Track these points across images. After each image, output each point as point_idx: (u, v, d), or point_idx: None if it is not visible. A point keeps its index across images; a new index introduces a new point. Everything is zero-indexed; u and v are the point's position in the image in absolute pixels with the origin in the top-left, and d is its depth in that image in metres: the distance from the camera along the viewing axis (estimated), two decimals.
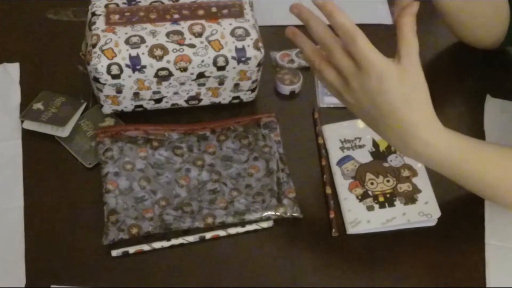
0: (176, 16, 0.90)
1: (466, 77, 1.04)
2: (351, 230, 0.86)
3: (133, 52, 0.87)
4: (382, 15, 1.10)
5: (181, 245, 0.84)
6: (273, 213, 0.86)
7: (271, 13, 1.09)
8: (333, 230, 0.86)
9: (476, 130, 0.96)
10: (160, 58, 0.88)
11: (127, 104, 0.93)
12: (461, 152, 0.77)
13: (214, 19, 0.91)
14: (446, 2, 0.92)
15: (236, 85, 0.94)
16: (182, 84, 0.91)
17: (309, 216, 0.88)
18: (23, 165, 0.91)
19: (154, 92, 0.92)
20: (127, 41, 0.88)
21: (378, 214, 0.87)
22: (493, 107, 0.99)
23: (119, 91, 0.90)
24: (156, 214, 0.86)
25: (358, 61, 0.72)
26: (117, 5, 0.91)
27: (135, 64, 0.87)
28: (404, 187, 0.89)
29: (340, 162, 0.92)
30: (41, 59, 1.03)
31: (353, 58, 0.73)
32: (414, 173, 0.90)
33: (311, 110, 0.98)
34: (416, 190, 0.89)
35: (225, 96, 0.95)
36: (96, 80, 0.89)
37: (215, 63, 0.89)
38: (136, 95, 0.92)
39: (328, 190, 0.90)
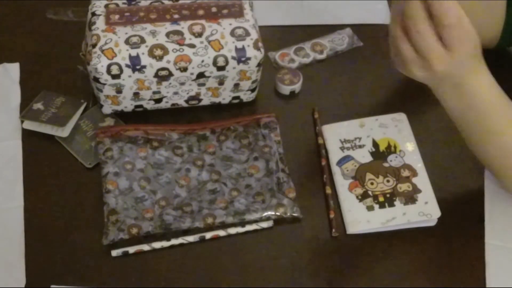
0: (176, 16, 0.90)
1: None
2: (351, 230, 0.86)
3: (133, 52, 0.87)
4: (381, 15, 1.10)
5: (181, 245, 0.84)
6: (273, 213, 0.86)
7: (271, 13, 1.09)
8: (333, 230, 0.86)
9: None
10: (160, 58, 0.88)
11: (127, 104, 0.93)
12: (500, 91, 0.79)
13: (214, 19, 0.91)
14: None
15: (236, 85, 0.94)
16: (182, 84, 0.91)
17: (309, 216, 0.88)
18: (23, 165, 0.91)
19: (154, 92, 0.92)
20: (127, 41, 0.88)
21: (378, 214, 0.87)
22: None
23: (119, 91, 0.90)
24: (156, 214, 0.86)
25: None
26: (117, 5, 0.91)
27: (135, 64, 0.87)
28: (404, 187, 0.89)
29: (340, 162, 0.92)
30: (41, 59, 1.03)
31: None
32: (414, 173, 0.90)
33: (311, 110, 0.98)
34: (416, 190, 0.89)
35: (225, 96, 0.95)
36: (96, 80, 0.89)
37: (215, 63, 0.89)
38: (136, 95, 0.92)
39: (328, 190, 0.90)
